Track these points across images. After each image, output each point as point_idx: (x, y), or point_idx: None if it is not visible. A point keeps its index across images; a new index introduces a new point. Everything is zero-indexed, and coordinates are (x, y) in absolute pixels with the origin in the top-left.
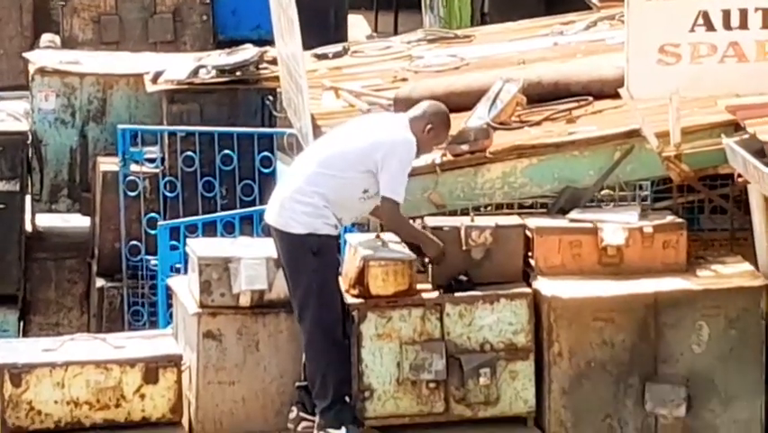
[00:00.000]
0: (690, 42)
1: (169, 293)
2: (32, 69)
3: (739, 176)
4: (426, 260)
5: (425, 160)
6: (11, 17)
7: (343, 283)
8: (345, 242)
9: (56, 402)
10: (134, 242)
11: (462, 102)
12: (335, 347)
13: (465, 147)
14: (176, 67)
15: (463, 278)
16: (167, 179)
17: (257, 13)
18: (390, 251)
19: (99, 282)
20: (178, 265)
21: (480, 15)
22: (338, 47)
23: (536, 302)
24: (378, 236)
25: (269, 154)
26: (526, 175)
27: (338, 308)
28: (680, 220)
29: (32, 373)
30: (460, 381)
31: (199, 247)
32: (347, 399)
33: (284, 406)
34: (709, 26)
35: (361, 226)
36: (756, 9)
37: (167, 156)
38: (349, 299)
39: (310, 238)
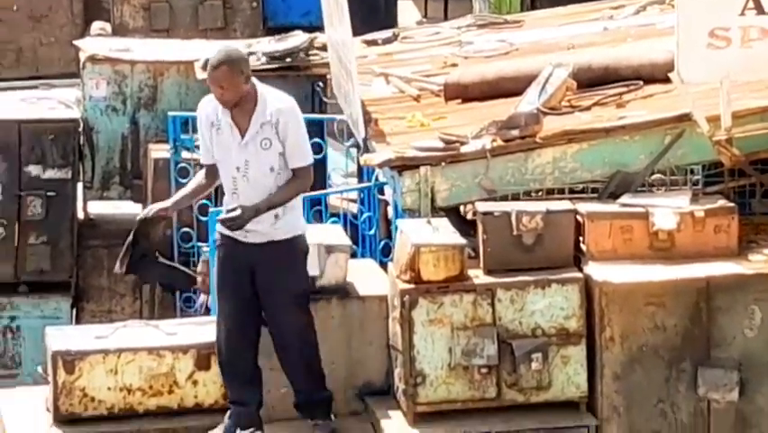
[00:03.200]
0: (741, 26)
1: None
2: (83, 56)
3: None
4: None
5: (476, 145)
6: (61, 5)
7: (395, 269)
8: (397, 228)
9: (109, 389)
10: (186, 228)
11: (512, 87)
12: None
13: (515, 132)
14: None
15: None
16: None
17: None
18: (442, 236)
19: None
20: None
21: (529, 1)
22: (388, 33)
23: (588, 287)
24: (429, 222)
25: (319, 140)
26: (577, 160)
27: None
28: (731, 204)
29: (84, 360)
30: (511, 366)
31: None
32: None
33: (336, 392)
34: (760, 9)
35: (412, 213)
36: None
37: None
38: (400, 285)
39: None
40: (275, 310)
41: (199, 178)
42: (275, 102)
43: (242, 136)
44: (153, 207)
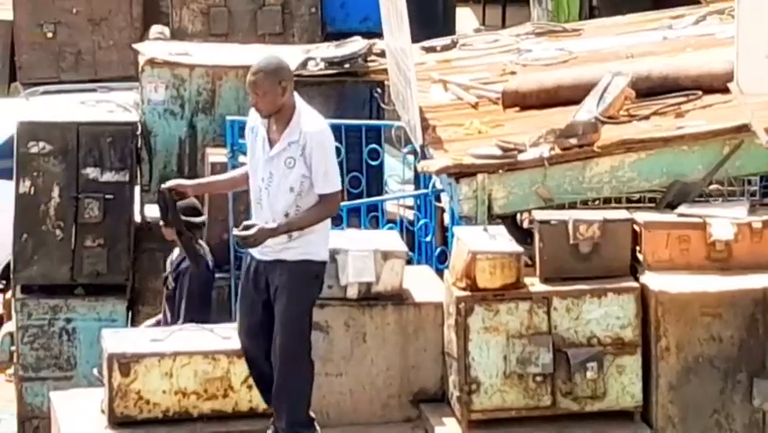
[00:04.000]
0: None
1: None
2: (141, 60)
3: None
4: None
5: (534, 153)
6: (120, 9)
7: (451, 276)
8: (453, 235)
9: (164, 392)
10: None
11: (571, 96)
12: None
13: (573, 141)
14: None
15: None
16: None
17: (365, 5)
18: (498, 244)
19: None
20: None
21: (588, 9)
22: (446, 40)
23: (644, 297)
24: (485, 229)
25: (376, 147)
26: (635, 169)
27: None
28: None
29: (140, 363)
30: (567, 375)
31: None
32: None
33: (390, 398)
34: None
35: (468, 220)
36: None
37: None
38: (456, 292)
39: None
40: (275, 327)
41: (239, 172)
42: (307, 123)
43: (271, 149)
44: (174, 181)
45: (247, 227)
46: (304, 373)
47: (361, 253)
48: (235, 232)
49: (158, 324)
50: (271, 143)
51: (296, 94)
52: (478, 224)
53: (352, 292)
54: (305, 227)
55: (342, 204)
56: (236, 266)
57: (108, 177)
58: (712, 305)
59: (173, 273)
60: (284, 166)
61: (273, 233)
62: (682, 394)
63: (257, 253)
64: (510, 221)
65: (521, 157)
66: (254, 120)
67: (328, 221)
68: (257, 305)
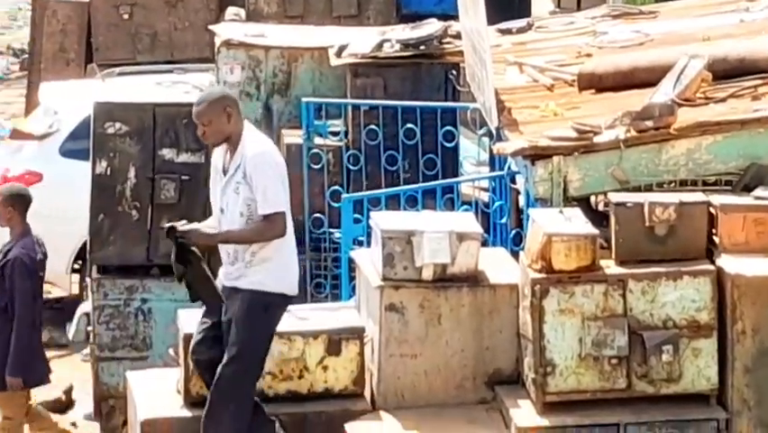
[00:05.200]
0: None
1: (351, 266)
2: (217, 41)
3: None
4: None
5: (610, 136)
6: None
7: (526, 258)
8: (528, 217)
9: None
10: (317, 214)
11: (647, 78)
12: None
13: (649, 123)
14: (360, 41)
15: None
16: (350, 152)
17: None
18: (574, 226)
19: None
20: (360, 238)
21: None
22: (522, 22)
23: (720, 280)
24: (561, 211)
25: (452, 129)
26: (711, 152)
27: None
28: None
29: None
30: (642, 357)
31: (383, 220)
32: None
33: (465, 380)
34: None
35: (544, 202)
36: None
37: (350, 129)
38: (531, 274)
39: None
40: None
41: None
42: (248, 147)
43: (225, 177)
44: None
45: (189, 230)
46: (236, 415)
47: (436, 235)
48: (178, 224)
49: None
50: (225, 173)
51: (246, 121)
52: (553, 206)
53: (428, 274)
54: (240, 242)
55: (418, 185)
56: (311, 248)
57: (184, 158)
58: None
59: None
60: (233, 193)
61: (210, 238)
62: (758, 378)
63: (222, 277)
64: (584, 203)
65: (597, 139)
66: (216, 155)
67: (293, 252)
68: (216, 325)
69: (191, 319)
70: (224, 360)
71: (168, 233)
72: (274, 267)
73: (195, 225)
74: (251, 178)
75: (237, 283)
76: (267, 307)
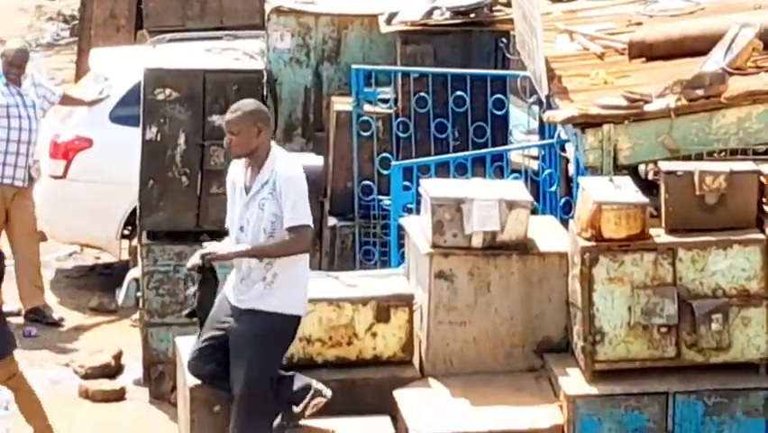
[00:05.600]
0: None
1: (400, 233)
2: (267, 8)
3: None
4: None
5: (660, 104)
6: None
7: (575, 226)
8: (578, 185)
9: None
10: (367, 182)
11: (698, 47)
12: None
13: (700, 92)
14: (410, 8)
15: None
16: (399, 119)
17: None
18: (624, 194)
19: (331, 221)
20: (410, 205)
21: None
22: None
23: None
24: (611, 179)
25: (501, 97)
26: (762, 121)
27: None
28: None
29: None
30: (691, 326)
31: (432, 188)
32: None
33: (514, 348)
34: None
35: (594, 170)
36: None
37: (400, 97)
38: (581, 242)
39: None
40: (231, 376)
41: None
42: (279, 165)
43: (248, 195)
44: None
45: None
46: (257, 425)
47: (486, 203)
48: (206, 248)
49: None
50: (247, 191)
51: (273, 143)
52: (603, 174)
53: (477, 241)
54: (269, 255)
55: (467, 153)
56: (360, 215)
57: None
58: None
59: None
60: (257, 209)
61: (242, 254)
62: None
63: (233, 299)
64: (634, 172)
65: (647, 108)
66: (234, 173)
67: (306, 275)
68: (218, 338)
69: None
70: (243, 379)
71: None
72: (294, 290)
73: (218, 245)
74: (280, 192)
75: (255, 305)
76: (288, 329)
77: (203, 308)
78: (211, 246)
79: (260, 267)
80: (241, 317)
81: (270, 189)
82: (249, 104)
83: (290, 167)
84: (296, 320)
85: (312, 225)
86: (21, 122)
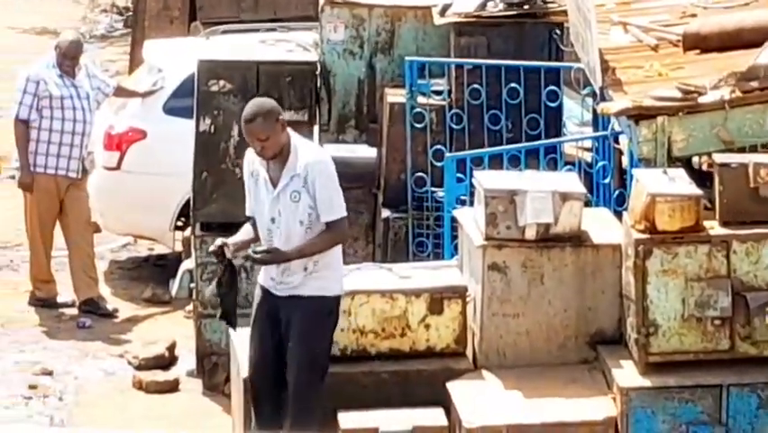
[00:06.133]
0: None
1: (454, 225)
2: (321, 0)
3: None
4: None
5: (714, 96)
6: None
7: (629, 218)
8: (632, 177)
9: (342, 330)
10: (420, 173)
11: (753, 38)
12: None
13: (755, 84)
14: (464, 0)
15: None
16: (453, 111)
17: None
18: (678, 186)
19: (385, 213)
20: (463, 197)
21: None
22: None
23: None
24: (665, 171)
25: (555, 89)
26: None
27: None
28: None
29: None
30: (745, 319)
31: (486, 179)
32: None
33: (567, 339)
34: None
35: (647, 162)
36: None
37: (453, 89)
38: (635, 234)
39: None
40: (288, 363)
41: (248, 228)
42: (306, 155)
43: (275, 187)
44: (219, 241)
45: (268, 251)
46: (317, 411)
47: (539, 195)
48: (250, 252)
49: None
50: (273, 182)
51: (288, 129)
52: (657, 166)
53: (531, 233)
54: (314, 254)
55: (520, 145)
56: (414, 206)
57: (288, 116)
58: None
59: None
60: (290, 201)
61: (287, 258)
62: None
63: (273, 288)
64: (688, 164)
65: (701, 99)
66: (251, 164)
67: (340, 255)
68: (268, 339)
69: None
70: (297, 368)
71: (218, 254)
72: (332, 274)
73: (238, 239)
74: (313, 184)
75: (297, 291)
76: (331, 310)
77: (228, 302)
78: (231, 239)
79: (301, 259)
80: (285, 305)
81: (302, 183)
82: (262, 105)
83: (317, 154)
84: (337, 300)
85: (345, 213)
86: (75, 113)
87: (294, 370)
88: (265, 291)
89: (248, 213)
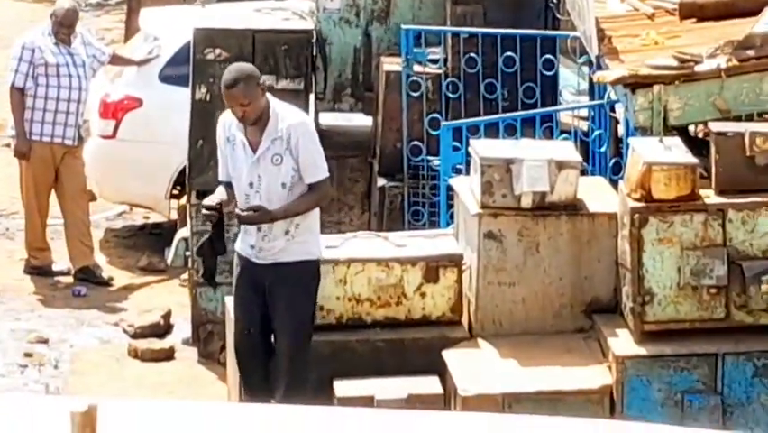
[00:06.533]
0: None
1: (449, 193)
2: None
3: None
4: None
5: (711, 65)
6: None
7: (625, 187)
8: (628, 146)
9: (338, 298)
10: (416, 142)
11: (749, 7)
12: None
13: (751, 53)
14: None
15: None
16: (449, 80)
17: None
18: (674, 155)
19: (380, 181)
20: (459, 166)
21: None
22: None
23: None
24: (661, 140)
25: (551, 57)
26: None
27: None
28: None
29: None
30: (741, 287)
31: (481, 148)
32: None
33: (563, 308)
34: None
35: (644, 131)
36: None
37: (449, 57)
38: (631, 203)
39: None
40: (276, 330)
41: (222, 191)
42: (287, 117)
43: (254, 152)
44: (216, 198)
45: (253, 209)
46: (309, 375)
47: (535, 163)
48: (238, 211)
49: None
50: (252, 146)
51: (266, 93)
52: (653, 135)
53: (526, 202)
54: (300, 213)
55: (516, 114)
56: (409, 175)
57: (283, 84)
58: None
59: None
60: (272, 164)
61: (272, 217)
62: None
63: (253, 256)
64: (684, 133)
65: (698, 68)
66: (227, 128)
67: (318, 219)
68: (252, 308)
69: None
70: (287, 334)
71: (213, 210)
72: (313, 234)
73: (259, 206)
74: (296, 147)
75: (280, 258)
76: (315, 274)
77: (212, 261)
78: (208, 200)
79: (283, 222)
80: (268, 272)
81: (285, 146)
82: (242, 69)
83: (299, 116)
84: (318, 263)
85: (328, 174)
86: (71, 81)
87: (284, 336)
88: (245, 260)
89: (221, 178)
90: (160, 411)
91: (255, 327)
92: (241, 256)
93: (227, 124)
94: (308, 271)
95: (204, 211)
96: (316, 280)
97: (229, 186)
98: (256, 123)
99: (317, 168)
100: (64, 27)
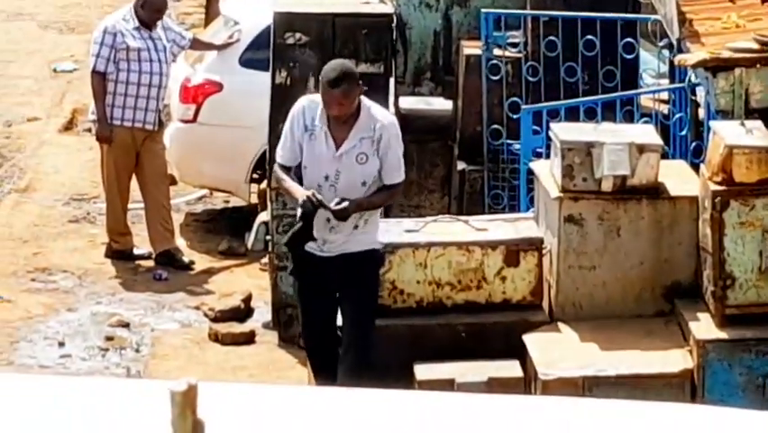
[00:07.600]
0: None
1: (529, 177)
2: None
3: None
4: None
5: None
6: None
7: (706, 170)
8: (709, 129)
9: (418, 282)
10: (496, 126)
11: None
12: None
13: None
14: None
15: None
16: (529, 63)
17: None
18: (755, 138)
19: (460, 165)
20: (539, 150)
21: None
22: None
23: None
24: (742, 123)
25: (631, 41)
26: None
27: None
28: None
29: (395, 254)
30: None
31: (562, 132)
32: None
33: (644, 292)
34: None
35: (725, 114)
36: None
37: (530, 41)
38: (712, 186)
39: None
40: (350, 317)
41: (287, 175)
42: (379, 117)
43: (337, 147)
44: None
45: (338, 203)
46: (370, 365)
47: (616, 147)
48: (332, 206)
49: None
50: (336, 140)
51: None
52: (734, 118)
53: (607, 185)
54: (376, 208)
55: (596, 97)
56: (489, 159)
57: (363, 68)
58: None
59: None
60: (355, 162)
61: (358, 207)
62: None
63: (318, 251)
64: (766, 115)
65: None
66: (307, 117)
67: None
68: (322, 301)
69: None
70: (360, 320)
71: (307, 205)
72: (377, 226)
73: (344, 198)
74: (386, 147)
75: (347, 249)
76: (380, 260)
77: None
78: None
79: (353, 217)
80: (334, 264)
81: (374, 146)
82: (346, 69)
83: (390, 117)
84: (381, 252)
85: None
86: (152, 65)
87: (361, 321)
88: (307, 254)
89: (283, 162)
90: (257, 395)
91: (326, 329)
92: (300, 256)
93: (309, 111)
94: (374, 260)
95: (305, 203)
96: (379, 267)
97: (289, 170)
98: (348, 119)
99: (399, 171)
100: (155, 12)
